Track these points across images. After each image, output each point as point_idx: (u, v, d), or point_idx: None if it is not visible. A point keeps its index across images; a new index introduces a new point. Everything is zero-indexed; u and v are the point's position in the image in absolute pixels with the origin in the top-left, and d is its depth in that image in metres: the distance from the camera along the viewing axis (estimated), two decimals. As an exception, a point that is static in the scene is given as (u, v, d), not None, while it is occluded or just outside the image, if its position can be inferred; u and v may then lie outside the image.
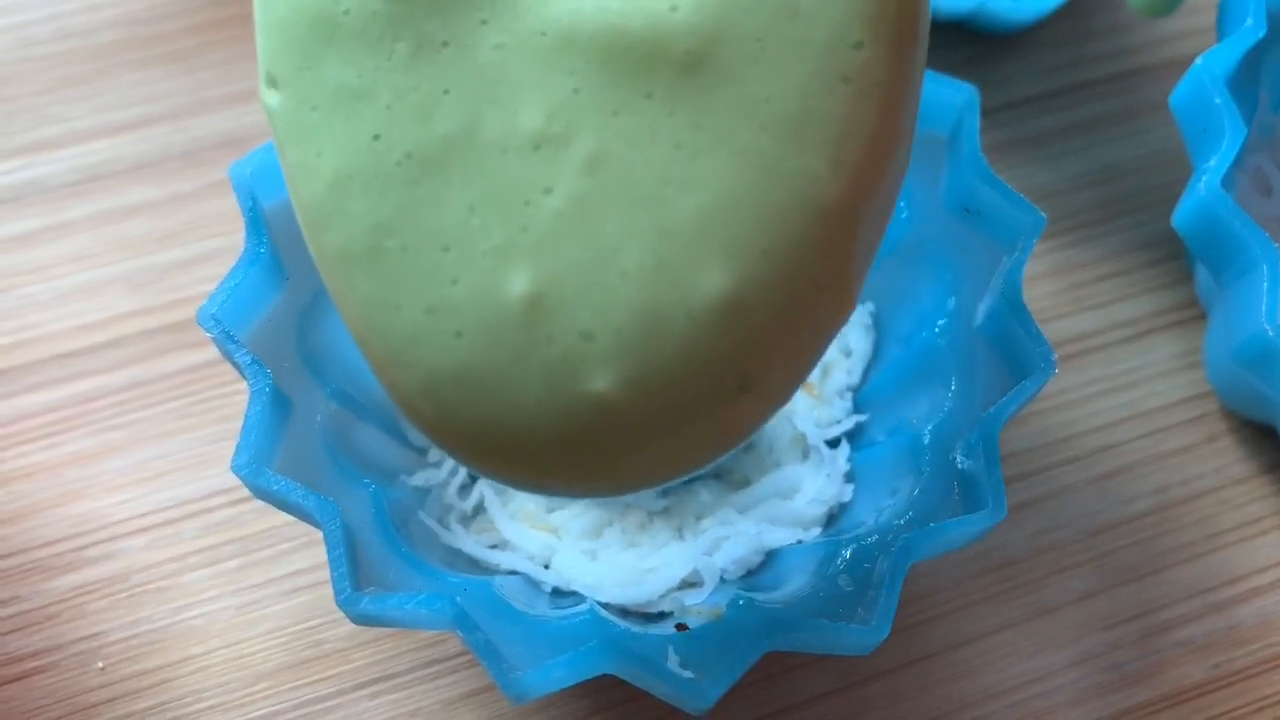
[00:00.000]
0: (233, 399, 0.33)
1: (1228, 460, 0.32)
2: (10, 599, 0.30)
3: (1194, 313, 0.34)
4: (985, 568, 0.31)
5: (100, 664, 0.29)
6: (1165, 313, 0.35)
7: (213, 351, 0.33)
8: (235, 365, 0.25)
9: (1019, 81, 0.38)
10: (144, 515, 0.31)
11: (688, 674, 0.22)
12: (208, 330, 0.24)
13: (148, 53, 0.38)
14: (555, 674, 0.22)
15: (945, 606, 0.30)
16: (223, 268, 0.34)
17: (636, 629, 0.26)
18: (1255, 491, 0.32)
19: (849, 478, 0.29)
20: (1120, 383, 0.33)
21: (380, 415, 0.29)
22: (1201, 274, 0.34)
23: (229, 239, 0.35)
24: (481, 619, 0.23)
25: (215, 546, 0.31)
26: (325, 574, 0.30)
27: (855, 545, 0.26)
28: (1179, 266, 0.35)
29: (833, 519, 0.29)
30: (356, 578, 0.23)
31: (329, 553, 0.23)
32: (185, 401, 0.33)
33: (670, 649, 0.23)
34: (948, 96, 0.27)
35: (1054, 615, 0.30)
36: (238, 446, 0.24)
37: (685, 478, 0.23)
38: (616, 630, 0.25)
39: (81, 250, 0.35)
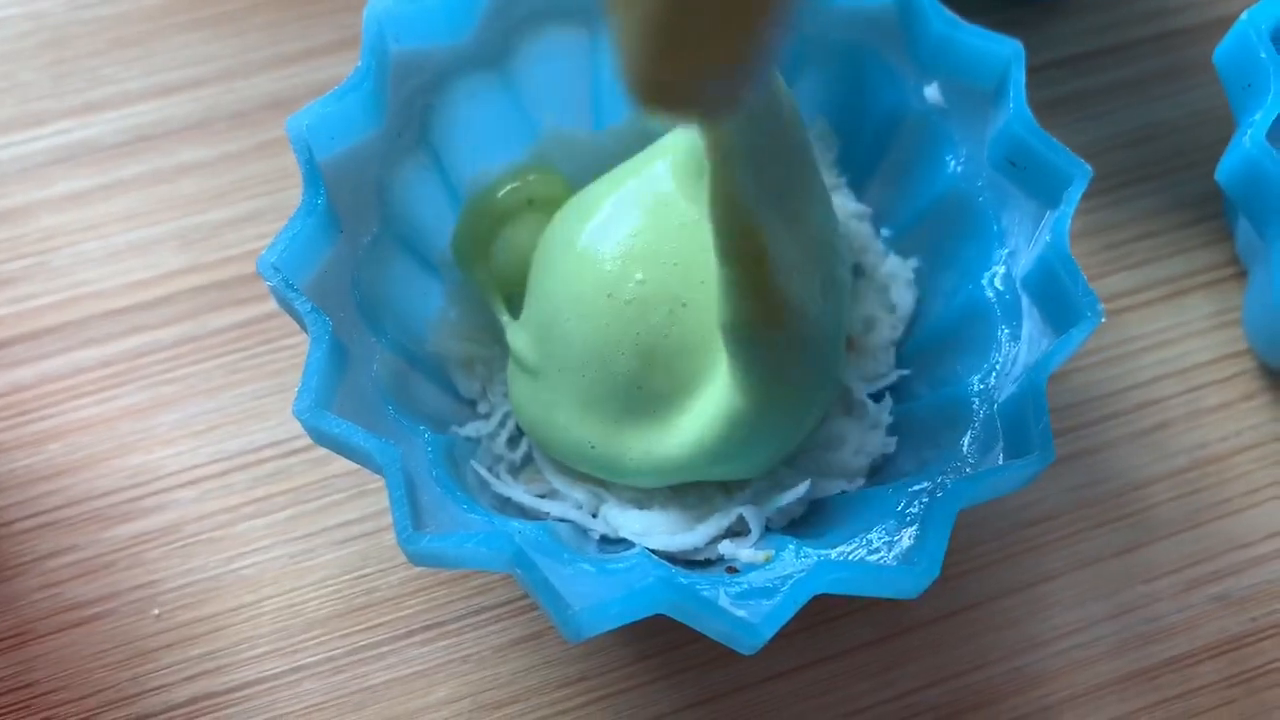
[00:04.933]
0: (282, 354, 0.33)
1: (1265, 417, 0.33)
2: (70, 547, 0.31)
3: (1232, 271, 0.35)
4: (1026, 521, 0.31)
5: (156, 611, 0.30)
6: (1203, 271, 0.35)
7: (261, 308, 0.34)
8: (294, 313, 0.25)
9: (1061, 41, 0.38)
10: (196, 467, 0.32)
11: (741, 613, 0.23)
12: (267, 278, 0.25)
13: (197, 15, 0.39)
14: (612, 611, 0.23)
15: (987, 558, 0.31)
16: (271, 226, 0.35)
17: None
18: (1293, 447, 0.32)
19: (892, 430, 0.29)
20: (1158, 340, 0.34)
21: (432, 367, 0.29)
22: (1242, 231, 0.34)
23: (277, 198, 0.36)
24: (539, 560, 0.23)
25: (266, 498, 0.32)
26: (376, 524, 0.31)
27: (902, 492, 0.26)
28: (1217, 226, 0.35)
29: (876, 471, 0.29)
30: (416, 519, 0.23)
31: (390, 493, 0.23)
32: (235, 357, 0.33)
33: (722, 589, 0.24)
34: (992, 50, 0.27)
35: (1094, 568, 0.31)
36: (299, 391, 0.24)
37: None
38: (671, 571, 0.25)
39: (133, 209, 0.36)
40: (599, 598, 0.23)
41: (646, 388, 0.27)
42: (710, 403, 0.27)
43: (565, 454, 0.28)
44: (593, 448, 0.28)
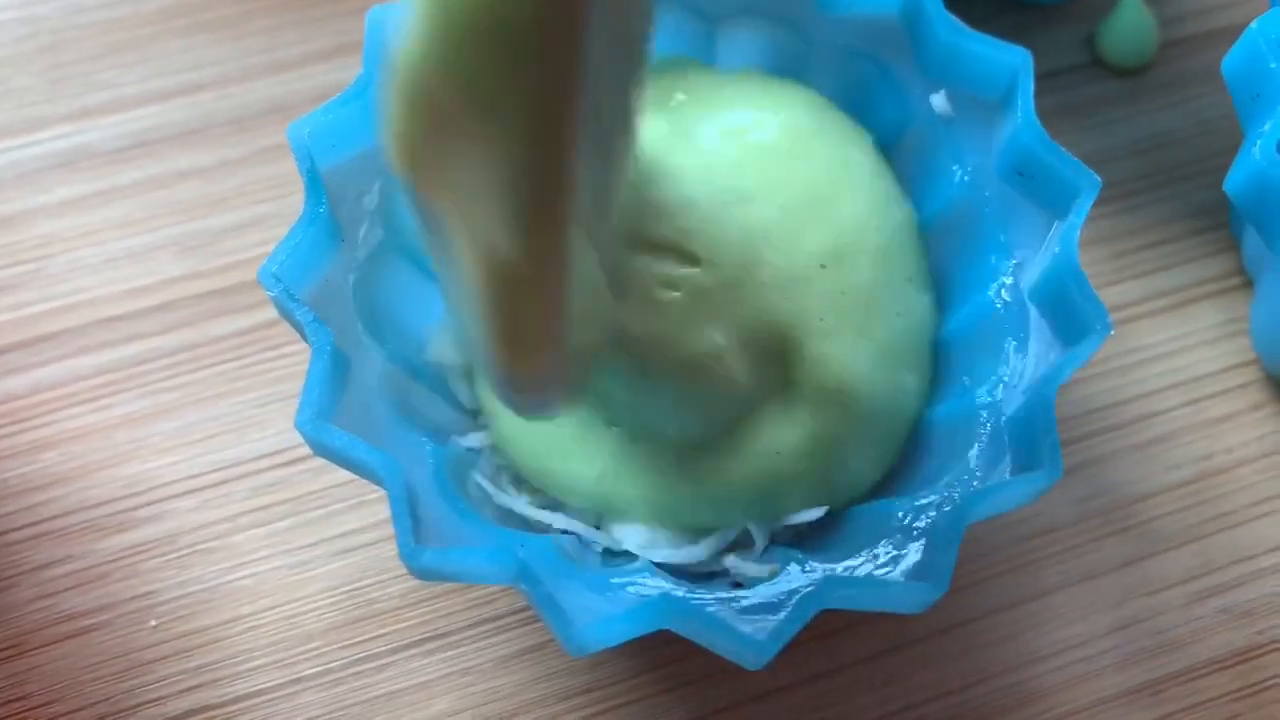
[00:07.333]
0: (282, 362, 0.33)
1: (1272, 428, 0.32)
2: (64, 558, 0.31)
3: (1238, 281, 0.34)
4: (1029, 533, 0.31)
5: (153, 622, 0.30)
6: (1209, 281, 0.35)
7: (262, 315, 0.33)
8: (295, 324, 0.25)
9: (1064, 49, 0.38)
10: (194, 477, 0.32)
11: (748, 629, 0.22)
12: (268, 288, 0.25)
13: (195, 19, 0.38)
14: (617, 628, 0.22)
15: (989, 571, 0.31)
16: (272, 233, 0.34)
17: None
18: (1299, 459, 0.32)
19: (898, 442, 0.29)
20: (1164, 350, 0.34)
21: (433, 377, 0.29)
22: (1249, 241, 0.34)
23: (278, 204, 0.35)
24: (543, 575, 0.23)
25: (265, 507, 0.31)
26: (376, 534, 0.31)
27: (909, 506, 0.26)
28: (1223, 235, 0.35)
29: (882, 483, 0.29)
30: (418, 533, 0.23)
31: (392, 507, 0.23)
32: (235, 365, 0.33)
33: (728, 605, 0.24)
34: (1001, 59, 0.27)
35: (1097, 581, 0.31)
36: (301, 403, 0.24)
37: None
38: (676, 586, 0.25)
39: (131, 215, 0.35)
40: (603, 613, 0.23)
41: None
42: (745, 459, 0.27)
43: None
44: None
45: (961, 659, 0.30)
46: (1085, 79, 0.38)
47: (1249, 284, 0.34)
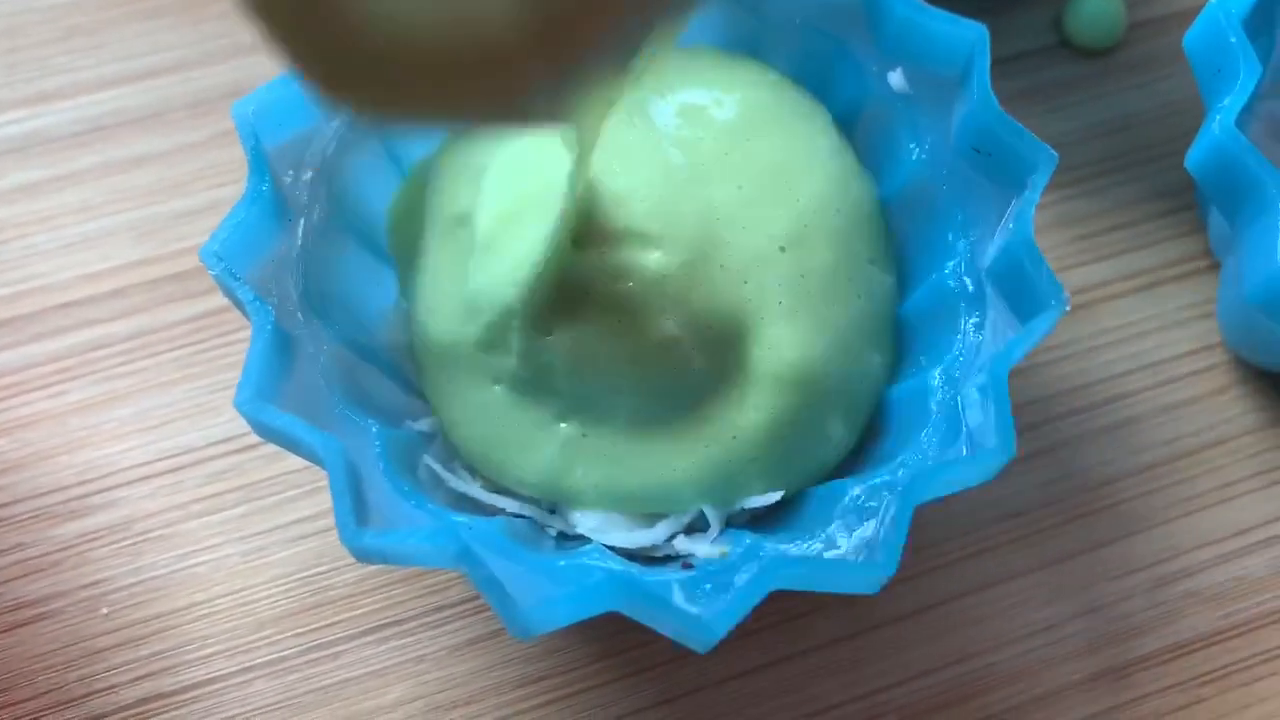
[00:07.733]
0: (236, 348, 0.33)
1: (1239, 411, 0.32)
2: (14, 546, 0.30)
3: (1206, 263, 0.34)
4: (995, 517, 0.31)
5: (105, 610, 0.30)
6: (1177, 263, 0.34)
7: (216, 301, 0.33)
8: (237, 303, 0.25)
9: (1031, 31, 0.38)
10: (148, 463, 0.31)
11: (694, 610, 0.22)
12: (209, 267, 0.24)
13: (153, 3, 0.38)
14: (561, 610, 0.22)
15: (954, 555, 0.30)
16: (229, 217, 0.34)
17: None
18: (1266, 442, 0.32)
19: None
20: (1131, 333, 0.33)
21: (385, 359, 0.28)
22: (1215, 222, 0.33)
23: (235, 189, 0.35)
24: (487, 557, 0.23)
25: (219, 494, 0.31)
26: (330, 521, 0.30)
27: (863, 486, 0.25)
28: (1191, 217, 0.35)
29: (842, 465, 0.28)
30: (360, 515, 0.23)
31: (332, 486, 0.23)
32: (189, 350, 0.33)
33: (676, 586, 0.23)
34: (957, 35, 0.27)
35: (1064, 565, 0.30)
36: (240, 383, 0.23)
37: None
38: (623, 568, 0.24)
39: (86, 201, 0.35)
40: (548, 595, 0.22)
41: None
42: (701, 443, 0.26)
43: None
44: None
45: (927, 643, 0.29)
46: (1052, 61, 0.37)
47: (1215, 266, 0.34)
